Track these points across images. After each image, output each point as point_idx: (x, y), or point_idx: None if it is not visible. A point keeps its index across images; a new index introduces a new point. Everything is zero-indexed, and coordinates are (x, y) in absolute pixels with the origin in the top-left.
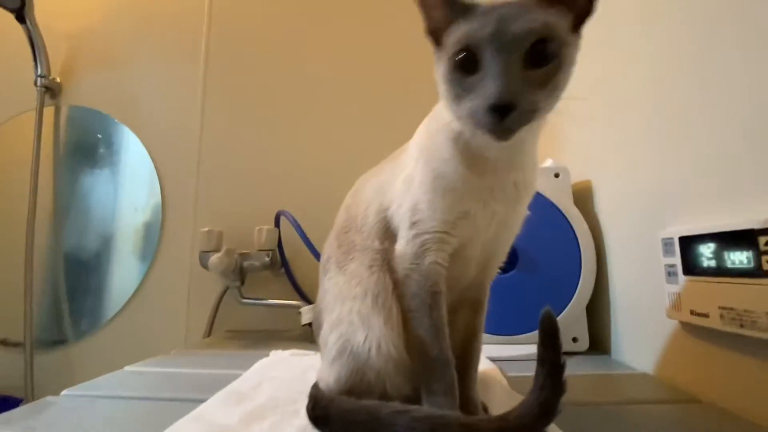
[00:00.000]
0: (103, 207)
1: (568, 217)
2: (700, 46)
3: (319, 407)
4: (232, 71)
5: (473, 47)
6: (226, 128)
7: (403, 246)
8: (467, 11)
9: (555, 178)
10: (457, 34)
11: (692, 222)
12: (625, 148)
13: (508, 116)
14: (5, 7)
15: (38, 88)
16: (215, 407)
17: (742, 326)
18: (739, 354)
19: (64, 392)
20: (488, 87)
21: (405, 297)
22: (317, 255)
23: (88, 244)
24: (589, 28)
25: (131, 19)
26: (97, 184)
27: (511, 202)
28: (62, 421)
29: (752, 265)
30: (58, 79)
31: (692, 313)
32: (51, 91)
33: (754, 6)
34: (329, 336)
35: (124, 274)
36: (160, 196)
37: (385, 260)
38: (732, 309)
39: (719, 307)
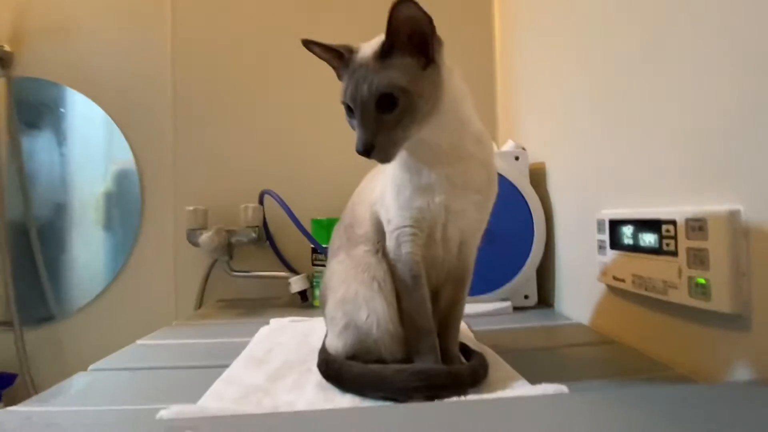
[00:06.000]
0: (59, 181)
1: (524, 195)
2: (641, 52)
3: (332, 369)
4: (203, 35)
5: (346, 103)
6: (200, 107)
7: (388, 241)
8: (344, 67)
9: (515, 161)
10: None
11: (620, 207)
12: (573, 137)
13: (371, 154)
14: None
15: None
16: (240, 371)
17: (646, 289)
18: (642, 308)
19: (91, 367)
20: (357, 134)
21: (396, 281)
22: (307, 234)
23: (57, 220)
24: (549, 24)
25: None
26: (59, 155)
27: (449, 192)
28: (112, 391)
29: (657, 245)
30: (8, 48)
31: (614, 278)
32: (1, 60)
33: (696, 21)
34: (335, 312)
35: (106, 251)
36: (137, 179)
37: (384, 251)
38: (641, 277)
39: (632, 275)
